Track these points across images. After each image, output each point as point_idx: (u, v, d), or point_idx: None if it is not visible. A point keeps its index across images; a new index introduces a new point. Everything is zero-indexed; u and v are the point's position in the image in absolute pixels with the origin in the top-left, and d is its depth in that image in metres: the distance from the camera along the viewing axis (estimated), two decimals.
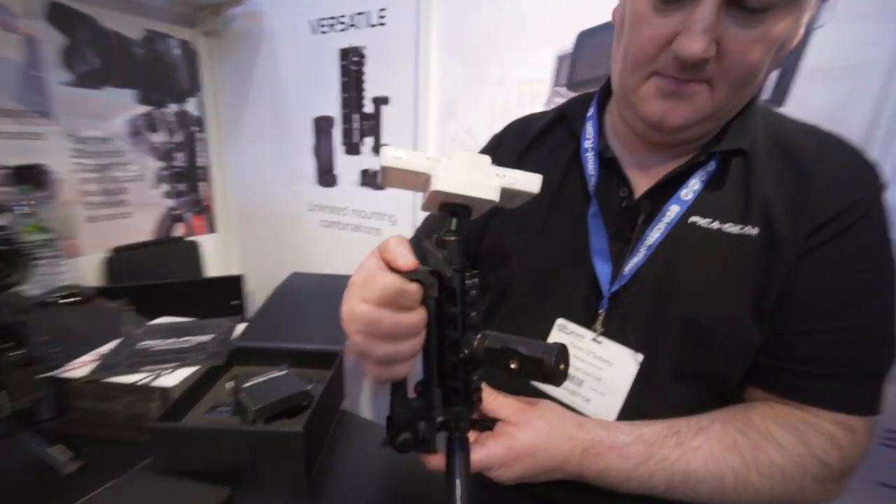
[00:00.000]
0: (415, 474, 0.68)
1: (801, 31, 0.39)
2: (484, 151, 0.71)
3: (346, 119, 1.29)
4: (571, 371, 0.47)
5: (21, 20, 1.06)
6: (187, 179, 1.51)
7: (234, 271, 1.50)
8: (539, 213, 0.52)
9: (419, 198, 0.37)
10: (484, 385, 0.41)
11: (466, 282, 0.37)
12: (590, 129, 0.51)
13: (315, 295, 1.06)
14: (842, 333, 0.41)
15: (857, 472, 0.42)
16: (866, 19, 0.66)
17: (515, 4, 0.96)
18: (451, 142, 1.12)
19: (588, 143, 0.50)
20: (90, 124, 1.22)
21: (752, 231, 0.42)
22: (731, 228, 0.43)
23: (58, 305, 0.91)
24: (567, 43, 0.92)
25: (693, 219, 0.44)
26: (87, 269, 1.25)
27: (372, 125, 1.25)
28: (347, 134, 1.30)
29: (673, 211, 0.44)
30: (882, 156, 0.65)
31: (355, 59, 1.22)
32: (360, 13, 1.17)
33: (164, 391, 0.69)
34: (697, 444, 0.41)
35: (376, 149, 1.26)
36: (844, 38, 0.67)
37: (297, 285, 1.08)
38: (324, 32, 1.25)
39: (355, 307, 0.33)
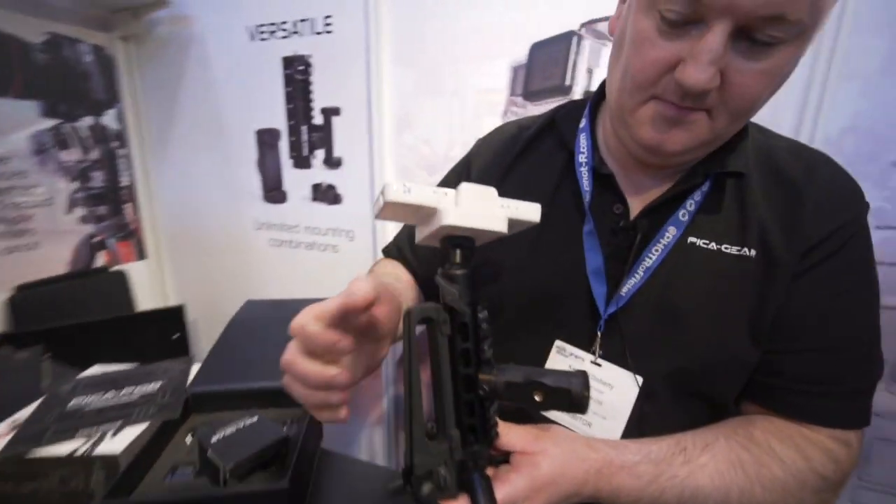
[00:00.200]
0: None
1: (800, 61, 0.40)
2: (455, 172, 0.69)
3: (294, 131, 1.21)
4: None
5: None
6: (109, 201, 1.33)
7: (170, 302, 1.35)
8: (531, 227, 0.51)
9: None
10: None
11: (479, 315, 0.36)
12: (583, 141, 0.50)
13: (273, 323, 0.97)
14: (835, 351, 0.43)
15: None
16: None
17: (467, 15, 0.95)
18: (408, 152, 1.10)
19: (582, 158, 0.49)
20: None
21: (751, 253, 0.43)
22: (730, 249, 0.44)
23: None
24: (521, 54, 0.93)
25: (692, 239, 0.45)
26: None
27: (322, 137, 1.18)
28: (295, 147, 1.22)
29: (671, 232, 0.44)
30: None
31: (300, 67, 1.15)
32: (303, 20, 1.11)
33: (108, 459, 0.58)
34: (704, 462, 0.42)
35: (328, 161, 1.19)
36: None
37: (254, 314, 0.98)
38: (263, 39, 1.16)
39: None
